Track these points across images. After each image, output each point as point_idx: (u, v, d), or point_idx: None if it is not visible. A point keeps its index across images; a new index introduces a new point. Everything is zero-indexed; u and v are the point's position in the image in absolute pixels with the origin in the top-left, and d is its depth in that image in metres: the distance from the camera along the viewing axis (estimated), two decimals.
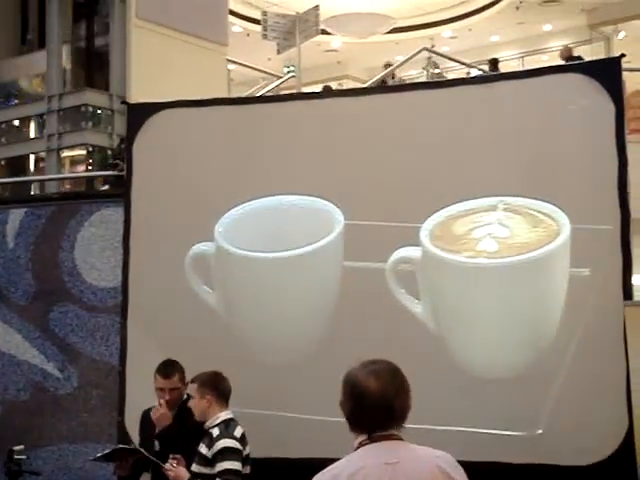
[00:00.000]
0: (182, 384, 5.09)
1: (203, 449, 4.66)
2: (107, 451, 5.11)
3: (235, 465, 4.57)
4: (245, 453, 4.71)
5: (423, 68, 13.12)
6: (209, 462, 4.61)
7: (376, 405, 2.71)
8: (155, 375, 5.10)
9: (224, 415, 4.78)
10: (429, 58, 13.08)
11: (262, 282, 6.01)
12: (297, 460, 5.65)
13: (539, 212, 5.54)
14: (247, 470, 4.72)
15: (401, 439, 2.73)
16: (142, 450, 4.90)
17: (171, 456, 4.80)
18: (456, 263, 5.61)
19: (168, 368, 5.11)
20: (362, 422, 2.74)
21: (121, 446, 5.02)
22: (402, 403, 2.77)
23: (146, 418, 5.32)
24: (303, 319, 5.96)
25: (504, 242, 5.56)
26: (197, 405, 4.80)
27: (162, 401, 4.97)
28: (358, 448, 2.72)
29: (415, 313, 5.70)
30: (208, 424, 4.76)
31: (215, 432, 4.68)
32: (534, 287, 5.54)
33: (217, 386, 4.82)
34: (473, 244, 5.61)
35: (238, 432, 4.71)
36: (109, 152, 10.73)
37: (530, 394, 5.37)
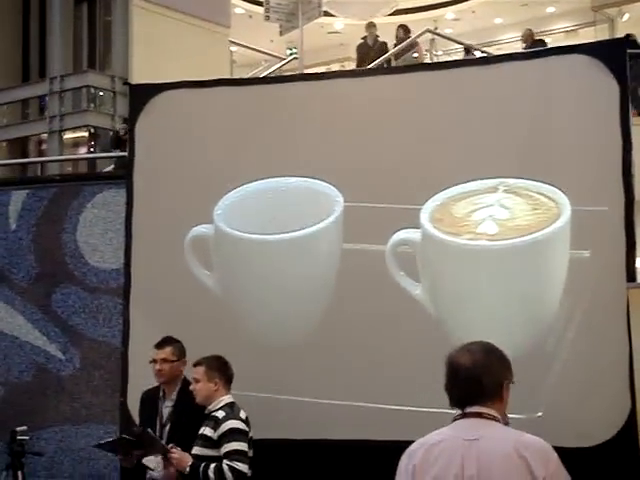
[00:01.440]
0: (176, 359, 5.17)
1: (207, 431, 4.68)
2: (110, 439, 5.14)
3: (242, 446, 4.62)
4: (250, 435, 4.75)
5: (426, 50, 13.08)
6: (214, 444, 4.64)
7: (465, 379, 2.84)
8: None
9: (227, 399, 4.81)
10: (432, 40, 13.02)
11: (261, 264, 6.01)
12: (296, 441, 5.68)
13: (540, 194, 5.53)
14: (250, 453, 4.75)
15: (491, 417, 2.82)
16: (149, 431, 4.90)
17: (169, 446, 4.82)
18: (456, 245, 5.59)
19: (162, 340, 5.24)
20: (454, 396, 2.87)
21: (124, 436, 5.04)
22: (492, 379, 2.84)
23: (145, 399, 5.36)
24: (302, 301, 5.95)
25: (504, 224, 5.56)
26: (202, 388, 4.82)
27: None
28: (453, 422, 2.86)
29: (415, 295, 5.70)
30: (211, 407, 4.77)
31: (220, 414, 4.70)
32: (534, 269, 5.53)
33: (224, 370, 4.87)
34: (473, 226, 5.60)
35: (243, 414, 4.76)
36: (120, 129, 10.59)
37: (530, 376, 5.31)
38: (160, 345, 5.21)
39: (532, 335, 5.47)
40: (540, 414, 5.28)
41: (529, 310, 5.52)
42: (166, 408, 5.18)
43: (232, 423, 4.65)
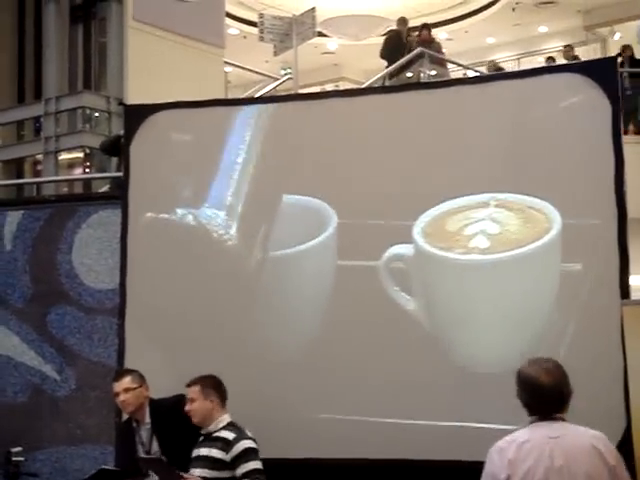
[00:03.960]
0: (138, 386, 5.23)
1: (214, 453, 4.67)
2: (93, 472, 5.17)
3: (259, 464, 4.65)
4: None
5: (420, 70, 13.22)
6: (226, 465, 4.63)
7: (549, 395, 3.51)
8: None
9: (227, 418, 4.81)
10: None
11: (255, 280, 6.04)
12: (297, 460, 5.67)
13: (530, 208, 5.58)
14: None
15: (564, 420, 3.52)
16: (162, 458, 4.94)
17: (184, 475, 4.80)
18: (448, 260, 5.65)
19: (118, 373, 5.40)
20: (540, 409, 3.52)
21: (104, 467, 5.08)
22: (567, 391, 3.57)
23: (122, 432, 5.47)
24: (297, 318, 5.98)
25: (496, 238, 5.61)
26: (199, 407, 4.82)
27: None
28: (530, 424, 3.50)
29: (408, 310, 5.74)
30: (211, 428, 4.77)
31: (229, 435, 4.70)
32: (525, 283, 5.56)
33: (219, 388, 4.88)
34: (465, 241, 5.65)
35: (250, 433, 4.77)
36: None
37: None
38: (117, 377, 5.32)
39: (524, 349, 5.44)
40: None
41: (521, 323, 5.54)
42: (145, 433, 5.20)
43: (246, 443, 4.67)
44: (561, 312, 5.46)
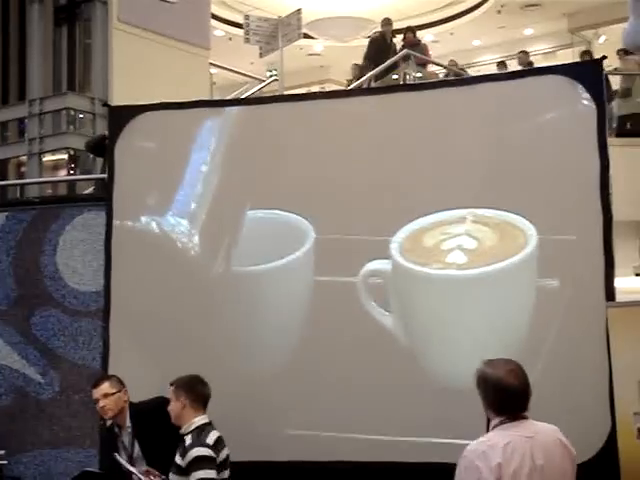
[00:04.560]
0: (117, 390, 5.22)
1: (177, 458, 4.63)
2: (76, 474, 5.15)
3: (209, 474, 4.53)
4: (221, 458, 4.66)
5: (406, 72, 13.22)
6: (183, 472, 4.58)
7: (516, 395, 3.56)
8: None
9: (198, 420, 4.72)
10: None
11: (233, 295, 6.04)
12: (282, 464, 5.67)
13: (507, 223, 5.61)
14: (225, 475, 4.68)
15: (528, 418, 3.58)
16: (119, 458, 4.92)
17: (143, 469, 4.80)
18: (425, 275, 5.68)
19: (96, 380, 5.37)
20: (506, 408, 3.56)
21: (87, 469, 5.06)
22: (530, 390, 3.60)
23: (106, 436, 5.44)
24: (273, 333, 5.98)
25: (473, 253, 5.64)
26: (172, 408, 4.80)
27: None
28: (499, 425, 3.55)
29: (386, 326, 5.74)
30: (183, 430, 4.72)
31: (188, 441, 4.64)
32: (502, 297, 5.61)
33: (192, 389, 4.78)
34: (442, 256, 5.68)
35: (211, 438, 4.65)
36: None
37: None
38: (96, 384, 5.30)
39: None
40: None
41: (498, 339, 5.52)
42: (126, 437, 5.18)
43: (197, 451, 4.56)
44: (539, 325, 5.48)
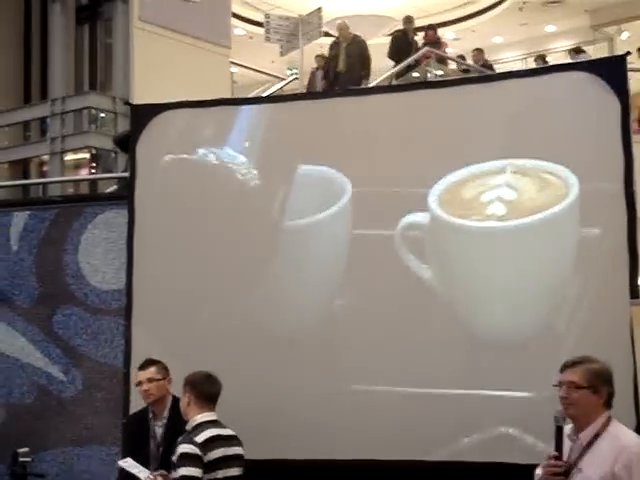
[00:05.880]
0: (162, 377, 5.21)
1: (173, 455, 4.63)
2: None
3: (191, 471, 4.47)
4: (211, 457, 4.57)
5: (427, 70, 13.22)
6: (174, 467, 4.58)
7: None
8: None
9: (200, 418, 4.69)
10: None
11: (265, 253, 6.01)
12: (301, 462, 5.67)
13: (547, 173, 5.52)
14: (219, 475, 4.59)
15: None
16: (122, 464, 4.96)
17: (159, 472, 4.80)
18: (464, 227, 5.60)
19: (144, 362, 5.31)
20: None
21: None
22: None
23: (133, 423, 5.46)
24: (313, 288, 5.95)
25: (513, 205, 5.54)
26: (181, 403, 4.82)
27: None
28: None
29: (424, 278, 5.69)
30: (187, 426, 4.72)
31: (181, 438, 4.65)
32: (543, 249, 5.50)
33: (196, 386, 4.76)
34: (482, 208, 5.60)
35: (202, 437, 4.58)
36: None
37: (541, 356, 5.33)
38: (143, 366, 5.27)
39: (542, 315, 5.50)
40: (549, 394, 5.27)
41: (538, 290, 5.49)
42: (159, 428, 5.18)
43: (182, 448, 4.53)
44: (579, 277, 5.41)
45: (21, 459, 5.66)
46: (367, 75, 12.35)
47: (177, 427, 4.98)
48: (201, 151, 6.26)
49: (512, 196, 5.55)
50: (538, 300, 5.52)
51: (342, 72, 12.47)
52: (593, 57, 13.07)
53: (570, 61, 13.07)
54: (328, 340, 5.85)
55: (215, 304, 6.08)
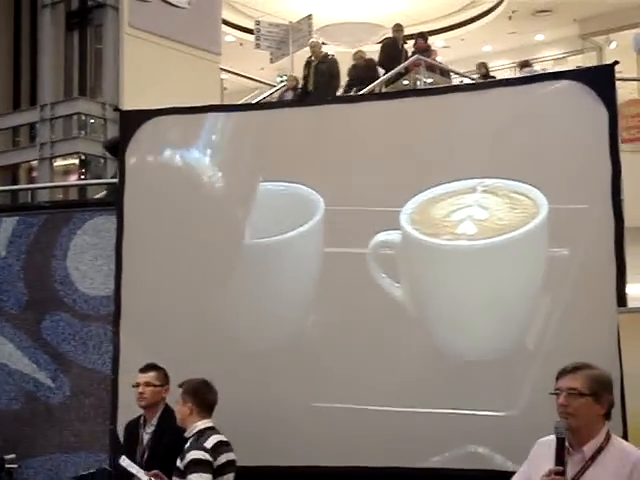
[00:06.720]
0: (160, 384, 5.20)
1: (178, 462, 4.64)
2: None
3: (204, 477, 4.52)
4: (220, 462, 4.63)
5: (417, 78, 13.25)
6: (182, 474, 4.59)
7: None
8: None
9: (201, 424, 4.74)
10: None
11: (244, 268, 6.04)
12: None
13: (518, 193, 5.56)
14: (230, 478, 4.67)
15: None
16: (122, 462, 4.91)
17: (153, 472, 4.80)
18: (435, 246, 5.66)
19: (147, 365, 5.30)
20: None
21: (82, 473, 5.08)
22: None
23: (128, 429, 5.41)
24: (283, 306, 5.98)
25: (483, 224, 5.60)
26: (179, 411, 4.84)
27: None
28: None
29: (396, 297, 5.73)
30: (187, 434, 4.75)
31: (187, 444, 4.67)
32: (512, 268, 5.56)
33: (198, 394, 4.80)
34: (453, 227, 5.65)
35: (210, 442, 4.65)
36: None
37: (511, 375, 5.39)
38: (144, 370, 5.26)
39: (512, 333, 5.53)
40: (517, 412, 5.30)
41: (508, 310, 5.54)
42: (146, 435, 5.18)
43: (193, 454, 4.57)
44: (548, 296, 5.45)
45: (7, 465, 5.66)
46: (334, 93, 12.32)
47: (163, 436, 5.04)
48: (190, 157, 6.26)
49: (483, 215, 5.61)
50: (508, 319, 5.55)
51: (311, 91, 12.45)
52: (564, 69, 13.10)
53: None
54: (295, 356, 5.88)
55: (203, 311, 6.08)
